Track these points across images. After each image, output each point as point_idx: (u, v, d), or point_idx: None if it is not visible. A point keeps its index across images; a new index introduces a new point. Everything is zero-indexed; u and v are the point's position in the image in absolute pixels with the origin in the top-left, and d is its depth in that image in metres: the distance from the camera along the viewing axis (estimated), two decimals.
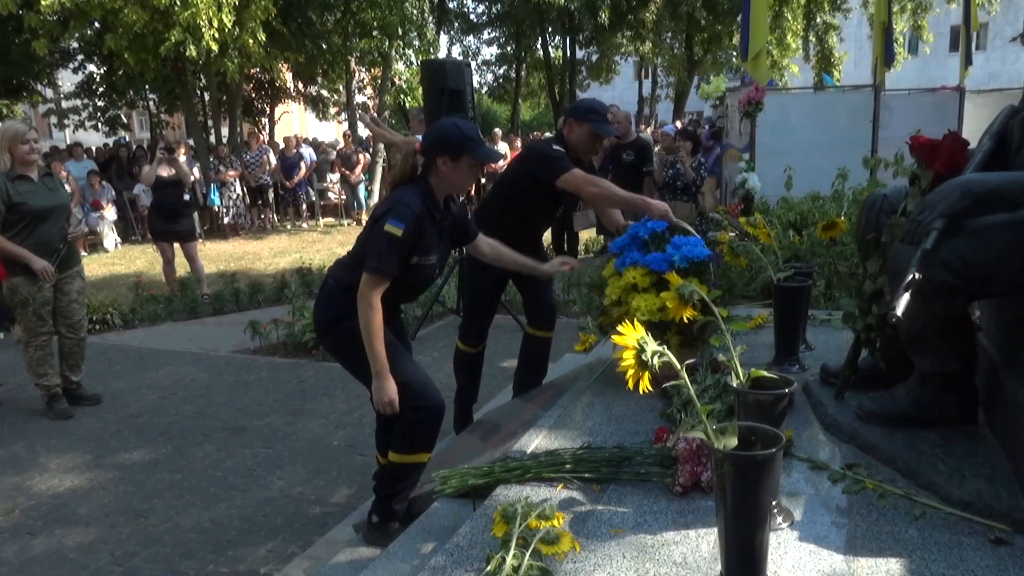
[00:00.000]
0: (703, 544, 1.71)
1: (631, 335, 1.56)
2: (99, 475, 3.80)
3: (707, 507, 1.84)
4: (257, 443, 4.09)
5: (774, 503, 1.67)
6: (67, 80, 22.04)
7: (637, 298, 2.50)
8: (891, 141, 6.68)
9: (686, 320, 2.19)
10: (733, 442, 1.42)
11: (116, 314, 6.86)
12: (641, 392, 1.55)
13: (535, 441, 2.38)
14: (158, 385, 5.16)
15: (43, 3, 11.56)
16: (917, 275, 1.78)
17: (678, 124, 12.58)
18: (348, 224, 13.95)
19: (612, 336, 1.64)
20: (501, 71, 26.28)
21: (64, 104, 21.54)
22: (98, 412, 4.66)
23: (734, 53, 20.32)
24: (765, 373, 1.74)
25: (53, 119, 20.95)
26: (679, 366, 1.53)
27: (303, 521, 3.26)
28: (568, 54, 23.35)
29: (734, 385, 1.74)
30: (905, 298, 1.75)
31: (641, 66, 26.43)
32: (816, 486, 1.94)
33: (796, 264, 3.05)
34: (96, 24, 13.70)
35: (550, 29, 23.43)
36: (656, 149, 7.95)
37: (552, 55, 24.70)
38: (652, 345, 1.55)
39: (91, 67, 20.40)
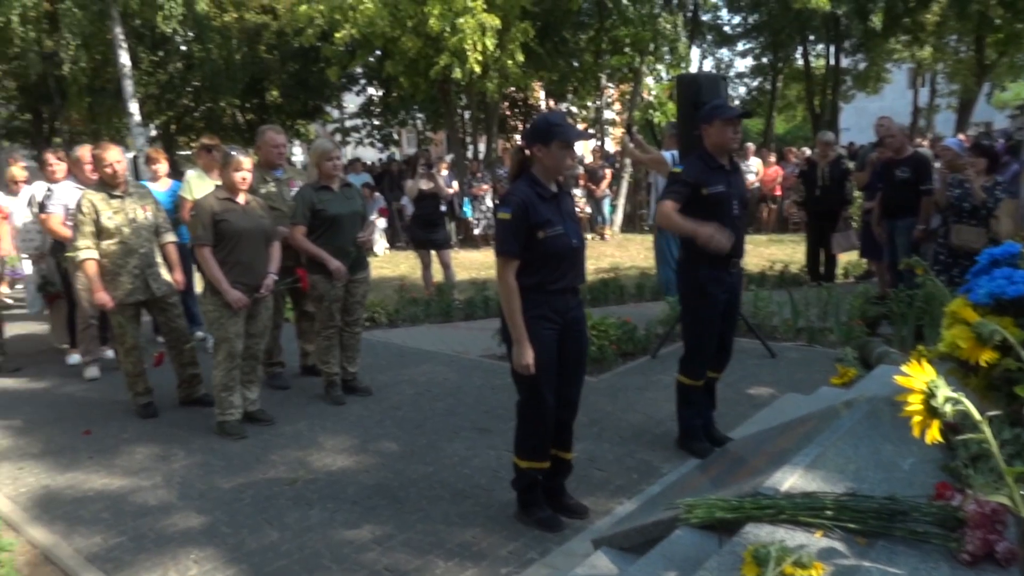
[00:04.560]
0: None
1: (919, 376, 1.40)
2: (364, 459, 4.20)
3: None
4: (501, 446, 4.27)
5: None
6: (350, 102, 24.95)
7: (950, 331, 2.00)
8: None
9: (984, 364, 1.91)
10: None
11: (383, 313, 7.59)
12: (928, 442, 1.39)
13: (789, 479, 2.21)
14: (415, 381, 5.60)
15: (336, 35, 13.19)
16: None
17: (962, 137, 11.19)
18: (592, 238, 14.17)
19: (895, 376, 1.48)
20: (755, 83, 25.28)
21: (347, 123, 24.45)
22: (365, 401, 5.17)
23: None
24: None
25: (338, 137, 23.80)
26: (979, 417, 1.34)
27: None
28: (832, 63, 21.84)
29: None
30: None
31: (917, 73, 23.96)
32: None
33: None
34: (378, 52, 15.35)
35: (812, 37, 22.09)
36: (936, 166, 7.13)
37: (813, 64, 23.28)
38: (944, 390, 1.38)
39: (371, 90, 22.97)
